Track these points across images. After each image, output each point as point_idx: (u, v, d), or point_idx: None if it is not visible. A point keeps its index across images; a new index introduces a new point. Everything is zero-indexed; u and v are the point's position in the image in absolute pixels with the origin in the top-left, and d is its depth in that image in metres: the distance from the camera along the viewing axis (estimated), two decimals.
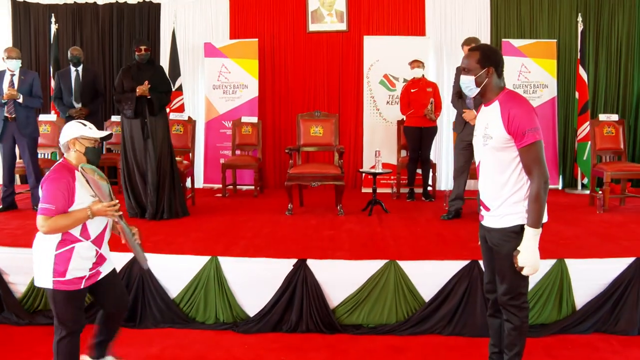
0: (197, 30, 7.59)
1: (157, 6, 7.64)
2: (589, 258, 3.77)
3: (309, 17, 7.52)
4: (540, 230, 2.40)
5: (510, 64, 6.71)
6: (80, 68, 6.45)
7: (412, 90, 6.33)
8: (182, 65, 7.35)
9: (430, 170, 6.47)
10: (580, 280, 3.69)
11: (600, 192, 5.34)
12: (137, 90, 4.97)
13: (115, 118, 7.15)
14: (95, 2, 7.73)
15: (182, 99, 7.26)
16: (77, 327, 2.61)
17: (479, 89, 2.51)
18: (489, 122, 2.47)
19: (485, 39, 7.32)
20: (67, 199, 2.49)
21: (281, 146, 7.58)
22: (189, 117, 6.42)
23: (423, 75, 6.41)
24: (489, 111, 2.50)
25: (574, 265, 3.69)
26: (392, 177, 6.82)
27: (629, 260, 3.70)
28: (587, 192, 6.75)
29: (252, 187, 6.90)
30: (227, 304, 3.75)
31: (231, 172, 6.92)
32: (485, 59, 2.47)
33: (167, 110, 6.55)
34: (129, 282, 3.79)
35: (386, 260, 3.74)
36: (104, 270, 2.72)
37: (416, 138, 6.29)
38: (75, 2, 7.73)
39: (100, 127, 6.97)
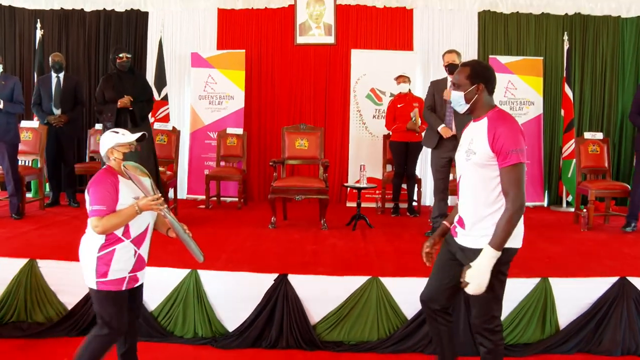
0: (184, 40, 7.54)
1: (145, 15, 7.59)
2: (572, 277, 3.75)
3: (297, 29, 7.51)
4: (499, 254, 2.32)
5: (497, 80, 6.71)
6: (61, 75, 6.37)
7: (398, 106, 6.33)
8: (168, 75, 7.29)
9: (416, 185, 6.45)
10: (563, 300, 3.67)
11: (585, 210, 5.34)
12: (119, 103, 4.92)
13: (99, 126, 7.06)
14: (82, 9, 7.66)
15: (168, 108, 7.20)
16: (119, 328, 2.64)
17: (468, 105, 2.48)
18: (474, 137, 2.44)
19: (472, 55, 7.38)
20: (114, 198, 2.56)
21: (266, 158, 7.52)
22: (173, 127, 6.37)
23: (409, 90, 6.42)
24: (475, 127, 2.47)
25: (557, 284, 3.67)
26: (376, 192, 6.79)
27: (613, 279, 3.70)
28: (572, 209, 6.79)
29: (236, 199, 6.85)
30: (206, 318, 3.67)
31: (215, 183, 6.85)
32: (475, 75, 2.45)
33: (152, 119, 6.50)
34: None
35: (369, 277, 3.69)
36: (141, 278, 2.76)
37: (401, 153, 6.28)
38: (61, 8, 7.65)
39: (80, 136, 7.00)
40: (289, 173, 6.17)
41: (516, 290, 3.67)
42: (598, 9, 7.37)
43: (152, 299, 3.72)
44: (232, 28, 7.52)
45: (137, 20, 7.61)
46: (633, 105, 5.39)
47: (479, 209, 2.42)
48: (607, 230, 5.37)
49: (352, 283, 3.69)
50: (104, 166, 2.73)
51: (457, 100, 2.50)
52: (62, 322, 3.73)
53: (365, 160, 6.83)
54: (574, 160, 6.79)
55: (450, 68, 4.95)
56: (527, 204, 6.96)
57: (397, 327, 3.64)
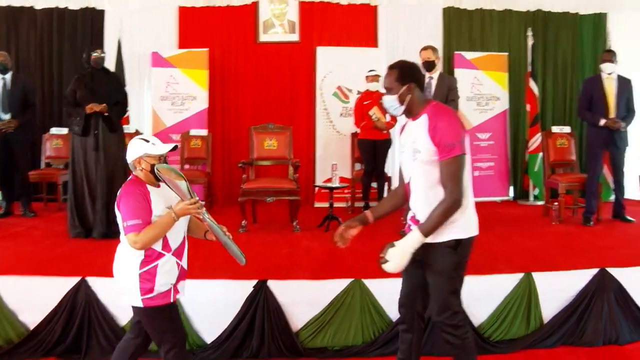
0: (143, 39, 7.22)
1: (101, 13, 7.22)
2: (554, 271, 3.75)
3: (260, 27, 7.34)
4: (424, 240, 2.35)
5: (463, 76, 6.78)
6: (8, 76, 5.93)
7: (365, 103, 6.23)
8: (127, 76, 6.97)
9: (386, 183, 6.38)
10: (547, 294, 3.68)
11: (556, 203, 5.39)
12: (87, 108, 4.68)
13: (55, 130, 6.71)
14: (32, 6, 7.24)
15: (128, 110, 6.89)
16: (179, 339, 2.56)
17: (403, 107, 2.46)
18: (416, 136, 2.42)
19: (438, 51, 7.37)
20: (147, 209, 2.42)
21: (231, 160, 7.33)
22: (137, 130, 6.10)
23: (378, 89, 6.34)
24: (416, 125, 2.46)
25: (541, 279, 3.67)
26: (345, 191, 6.69)
27: (593, 271, 3.72)
28: (539, 203, 6.88)
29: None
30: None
31: None
32: (403, 75, 2.44)
33: None
34: (73, 310, 3.47)
35: (351, 280, 3.59)
36: (182, 290, 2.61)
37: (370, 151, 6.20)
38: (9, 5, 7.20)
39: (34, 140, 6.60)
40: (257, 174, 5.99)
41: (500, 286, 3.68)
42: (558, 5, 7.48)
43: (124, 313, 3.48)
44: (193, 26, 7.28)
45: (93, 19, 7.24)
46: (581, 101, 5.47)
47: (433, 206, 2.38)
48: (577, 223, 5.43)
49: (335, 286, 3.59)
50: (130, 177, 2.58)
51: (391, 104, 2.49)
52: (24, 344, 3.46)
53: (333, 159, 6.68)
54: (540, 154, 6.89)
55: (427, 65, 4.89)
56: (494, 198, 7.05)
57: (382, 330, 3.55)
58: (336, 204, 6.42)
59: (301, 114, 7.40)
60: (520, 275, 3.67)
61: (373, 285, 3.59)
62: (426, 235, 2.34)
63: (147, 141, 2.52)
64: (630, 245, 4.41)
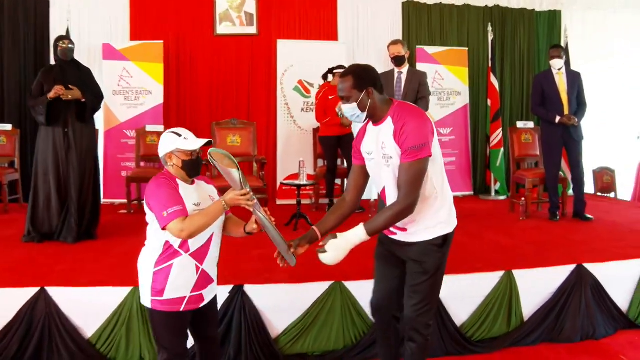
0: (93, 30, 6.82)
1: (46, 2, 6.78)
2: (534, 268, 3.75)
3: (217, 19, 7.09)
4: (367, 239, 2.27)
5: (425, 71, 6.71)
6: None
7: (330, 97, 6.02)
8: None
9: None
10: (527, 291, 3.66)
11: (523, 199, 5.43)
12: (53, 92, 4.31)
13: (3, 127, 6.24)
14: None
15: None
16: (178, 353, 2.38)
17: (365, 113, 2.32)
18: (384, 141, 2.29)
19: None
20: (181, 196, 2.26)
21: None
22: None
23: None
24: (382, 130, 2.32)
25: (520, 276, 3.65)
26: (308, 188, 6.55)
27: (571, 267, 3.74)
28: (501, 197, 6.97)
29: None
30: (152, 341, 3.25)
31: (135, 185, 6.29)
32: (359, 81, 2.29)
33: None
34: (32, 322, 3.19)
35: (331, 282, 3.46)
36: (207, 296, 2.43)
37: (333, 147, 6.04)
38: None
39: None
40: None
41: (481, 285, 3.64)
42: (515, 1, 7.61)
43: (89, 324, 3.25)
44: (147, 17, 6.94)
45: (37, 8, 6.76)
46: (533, 98, 5.48)
47: (416, 211, 2.29)
48: (543, 218, 5.49)
49: (315, 290, 3.44)
50: (163, 170, 2.42)
51: (352, 112, 2.33)
52: None
53: (296, 155, 6.59)
54: (502, 149, 6.99)
55: (397, 60, 4.81)
56: (457, 193, 7.05)
57: (363, 333, 3.44)
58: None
59: (261, 109, 7.21)
60: (500, 273, 3.64)
61: (354, 287, 3.48)
62: (370, 235, 2.26)
63: (179, 135, 2.36)
64: (600, 239, 4.47)
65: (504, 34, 7.60)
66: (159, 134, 6.27)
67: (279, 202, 6.76)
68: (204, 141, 2.37)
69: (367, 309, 3.45)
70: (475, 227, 4.93)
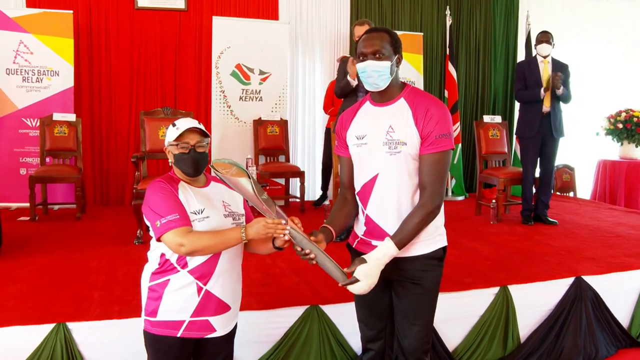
0: None
1: None
2: (530, 282, 3.52)
3: None
4: (396, 254, 2.02)
5: None
6: None
7: None
8: None
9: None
10: (523, 308, 3.43)
11: (494, 201, 5.26)
12: None
13: None
14: None
15: None
16: None
17: (390, 80, 2.06)
18: (394, 124, 2.06)
19: (345, 29, 7.07)
20: (181, 205, 1.97)
21: (103, 151, 6.43)
22: None
23: None
24: (391, 111, 2.10)
25: (517, 292, 3.41)
26: None
27: (569, 280, 3.55)
28: (459, 198, 6.83)
29: (70, 207, 5.69)
30: None
31: (40, 187, 5.55)
32: (396, 42, 2.11)
33: None
34: None
35: (306, 306, 3.06)
36: (219, 325, 2.09)
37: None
38: None
39: None
40: (153, 171, 5.18)
41: (475, 303, 3.36)
42: None
43: None
44: None
45: None
46: (516, 84, 5.33)
47: (408, 212, 2.07)
48: (515, 221, 5.33)
49: (287, 317, 3.03)
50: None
51: (381, 73, 2.04)
52: None
53: (233, 151, 6.19)
54: (459, 145, 6.85)
55: None
56: None
57: None
58: None
59: (192, 96, 6.69)
60: (495, 289, 3.39)
61: (332, 311, 3.10)
62: (400, 248, 2.01)
63: (174, 125, 2.07)
64: (591, 247, 4.31)
65: (460, 20, 7.48)
66: (70, 124, 5.59)
67: None
68: (187, 125, 2.03)
69: (348, 336, 3.12)
70: (452, 236, 4.67)
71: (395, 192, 2.08)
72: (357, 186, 2.17)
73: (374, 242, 2.13)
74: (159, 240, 1.96)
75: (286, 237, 1.94)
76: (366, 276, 1.98)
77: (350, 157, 2.21)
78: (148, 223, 2.01)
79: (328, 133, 5.86)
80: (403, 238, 2.01)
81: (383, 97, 2.11)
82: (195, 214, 1.99)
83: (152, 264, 2.07)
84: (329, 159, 5.81)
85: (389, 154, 2.06)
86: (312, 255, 1.94)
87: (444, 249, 2.17)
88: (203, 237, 1.92)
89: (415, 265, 2.11)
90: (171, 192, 2.00)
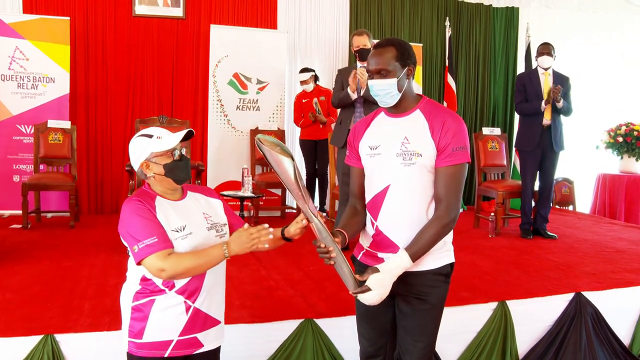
0: None
1: None
2: (529, 298, 3.48)
3: None
4: (410, 267, 2.00)
5: None
6: None
7: (303, 101, 6.27)
8: None
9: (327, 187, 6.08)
10: (522, 324, 3.40)
11: (492, 214, 5.23)
12: None
13: None
14: None
15: None
16: None
17: (399, 96, 2.05)
18: (409, 135, 2.04)
19: (344, 39, 7.06)
20: (159, 226, 1.88)
21: (98, 159, 6.39)
22: None
23: (313, 88, 6.30)
24: (407, 123, 2.08)
25: (516, 307, 3.37)
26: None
27: (569, 296, 3.52)
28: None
29: (63, 215, 5.65)
30: None
31: (33, 194, 5.52)
32: (404, 54, 2.06)
33: None
34: None
35: (300, 320, 3.02)
36: (207, 341, 2.04)
37: (311, 152, 6.25)
38: None
39: None
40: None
41: (473, 318, 3.33)
42: None
43: None
44: None
45: None
46: (516, 97, 5.31)
47: (420, 224, 2.04)
48: (514, 235, 5.31)
49: (280, 330, 2.99)
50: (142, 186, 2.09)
51: (387, 91, 2.04)
52: None
53: (229, 161, 6.20)
54: None
55: (362, 54, 4.46)
56: None
57: None
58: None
59: (188, 105, 6.66)
60: (493, 304, 3.36)
61: (327, 324, 3.06)
62: (414, 260, 1.99)
63: (151, 136, 1.96)
64: (591, 262, 4.29)
65: (459, 31, 7.49)
66: (64, 132, 5.56)
67: None
68: (182, 134, 1.97)
69: (343, 351, 3.08)
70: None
71: (407, 204, 2.06)
72: (368, 197, 2.15)
73: (380, 255, 2.11)
74: (139, 264, 1.88)
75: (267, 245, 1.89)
76: (379, 285, 1.95)
77: (362, 168, 2.19)
78: (126, 244, 1.92)
79: (304, 145, 6.25)
80: (418, 250, 1.99)
81: (398, 109, 2.10)
82: (177, 231, 1.91)
83: (132, 285, 1.97)
84: (313, 170, 6.23)
85: (402, 165, 2.05)
86: (333, 254, 1.90)
87: (451, 265, 2.14)
88: (185, 260, 1.85)
89: (422, 281, 2.08)
90: (148, 211, 1.90)
